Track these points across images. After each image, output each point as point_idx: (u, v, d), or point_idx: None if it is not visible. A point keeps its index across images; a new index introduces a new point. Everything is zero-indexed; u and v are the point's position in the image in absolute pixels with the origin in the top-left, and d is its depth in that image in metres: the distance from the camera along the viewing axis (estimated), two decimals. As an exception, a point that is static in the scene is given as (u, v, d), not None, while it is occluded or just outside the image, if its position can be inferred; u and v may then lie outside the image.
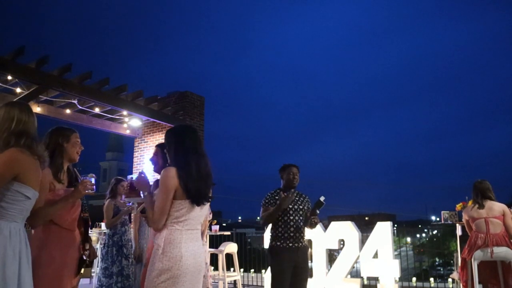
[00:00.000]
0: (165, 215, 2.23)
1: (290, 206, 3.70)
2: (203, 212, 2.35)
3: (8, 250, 1.94)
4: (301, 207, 3.78)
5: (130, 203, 5.07)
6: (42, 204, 2.30)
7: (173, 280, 2.17)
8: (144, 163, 9.75)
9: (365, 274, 5.91)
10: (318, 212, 3.66)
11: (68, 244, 2.49)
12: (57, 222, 2.43)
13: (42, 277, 2.30)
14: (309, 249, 3.92)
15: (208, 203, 2.38)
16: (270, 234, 3.80)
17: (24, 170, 2.02)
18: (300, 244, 3.70)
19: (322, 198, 3.65)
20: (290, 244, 3.65)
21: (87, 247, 2.68)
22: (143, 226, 5.32)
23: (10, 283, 1.91)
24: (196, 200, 2.26)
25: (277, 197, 3.74)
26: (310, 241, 6.01)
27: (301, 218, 3.73)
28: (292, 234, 3.67)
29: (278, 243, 3.67)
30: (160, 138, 9.59)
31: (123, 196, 5.40)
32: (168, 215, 2.24)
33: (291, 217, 3.69)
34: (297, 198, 3.81)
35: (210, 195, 2.38)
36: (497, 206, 4.58)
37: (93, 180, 2.45)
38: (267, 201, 3.79)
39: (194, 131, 2.45)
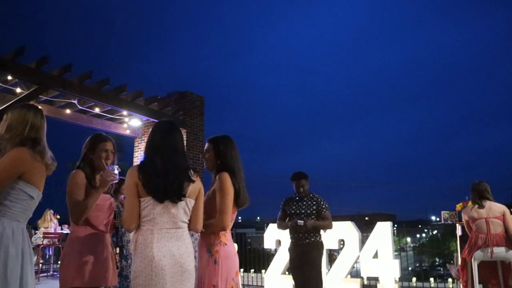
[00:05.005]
0: (133, 214, 2.15)
1: (292, 211, 4.24)
2: (180, 209, 2.19)
3: (10, 249, 1.94)
4: (303, 211, 4.19)
5: None
6: (74, 202, 2.48)
7: (149, 282, 2.09)
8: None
9: (365, 274, 5.91)
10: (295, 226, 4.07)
11: (102, 245, 2.63)
12: (93, 223, 2.58)
13: (88, 276, 2.49)
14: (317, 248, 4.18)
15: (183, 201, 2.20)
16: None
17: (30, 170, 2.04)
18: (303, 241, 4.14)
19: (300, 222, 4.05)
20: (293, 242, 4.23)
21: (117, 251, 2.87)
22: None
23: (12, 282, 1.91)
24: (157, 196, 2.13)
25: (287, 202, 4.35)
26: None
27: (301, 221, 4.09)
28: (291, 235, 4.27)
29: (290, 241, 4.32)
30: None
31: (123, 196, 5.41)
32: (139, 215, 2.17)
33: (293, 220, 4.18)
34: (305, 203, 4.23)
35: (183, 192, 2.18)
36: (497, 207, 4.59)
37: (116, 170, 2.55)
38: (282, 206, 4.42)
39: (164, 125, 2.33)
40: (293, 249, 4.23)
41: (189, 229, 2.31)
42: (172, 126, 2.33)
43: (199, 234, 2.64)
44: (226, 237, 2.58)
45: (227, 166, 2.63)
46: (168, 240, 2.16)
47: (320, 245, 4.20)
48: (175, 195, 2.16)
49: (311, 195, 4.28)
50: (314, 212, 4.18)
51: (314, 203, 4.21)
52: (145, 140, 9.76)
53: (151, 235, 2.14)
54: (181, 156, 2.25)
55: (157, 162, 2.18)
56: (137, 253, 2.15)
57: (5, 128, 2.11)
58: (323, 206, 4.21)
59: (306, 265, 4.07)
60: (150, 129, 2.38)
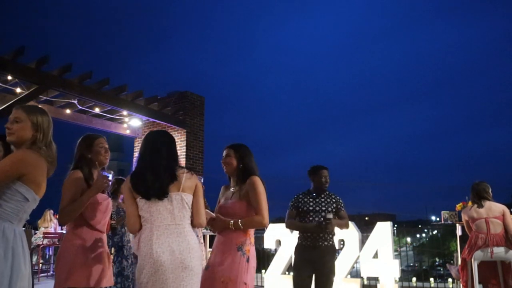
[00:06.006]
0: (134, 217, 2.30)
1: (311, 208, 3.76)
2: (177, 205, 2.28)
3: None
4: (323, 208, 3.76)
5: None
6: (66, 203, 2.49)
7: (150, 277, 2.16)
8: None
9: (365, 274, 5.92)
10: (328, 225, 3.61)
11: (98, 245, 2.62)
12: (90, 223, 2.58)
13: (84, 276, 2.48)
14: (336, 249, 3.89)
15: (178, 196, 2.29)
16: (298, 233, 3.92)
17: (30, 172, 2.02)
18: (321, 243, 3.68)
19: (329, 216, 3.62)
20: (309, 243, 3.70)
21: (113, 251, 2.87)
22: None
23: None
24: (144, 194, 2.26)
25: (300, 200, 3.83)
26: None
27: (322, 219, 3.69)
28: (309, 234, 3.71)
29: (300, 242, 3.80)
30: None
31: (122, 196, 5.43)
32: (140, 216, 2.31)
33: (311, 218, 3.73)
34: (323, 200, 3.83)
35: (165, 189, 2.28)
36: (497, 207, 4.59)
37: (110, 176, 2.61)
38: (293, 204, 3.86)
39: (150, 134, 2.50)
40: (306, 251, 3.71)
41: (192, 225, 2.37)
42: (157, 133, 2.51)
43: (201, 235, 2.71)
44: (253, 237, 2.79)
45: (252, 170, 2.86)
46: (168, 236, 2.22)
47: (335, 249, 3.84)
48: (158, 192, 2.26)
49: (327, 192, 3.88)
50: (333, 210, 3.78)
51: (334, 200, 3.84)
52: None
53: (150, 233, 2.23)
54: (164, 157, 2.36)
55: (139, 165, 2.36)
56: (139, 252, 2.23)
57: (42, 135, 2.12)
58: (342, 204, 3.87)
59: (320, 271, 3.65)
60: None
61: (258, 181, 2.78)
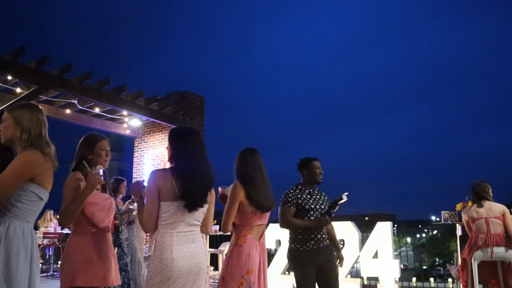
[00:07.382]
0: (153, 216, 2.22)
1: (312, 206, 3.39)
2: (198, 213, 2.31)
3: (21, 250, 1.97)
4: (322, 206, 3.45)
5: (135, 205, 5.12)
6: (67, 205, 2.47)
7: (165, 282, 2.17)
8: (144, 163, 9.76)
9: (365, 274, 5.92)
10: (337, 208, 3.41)
11: (104, 244, 2.64)
12: (95, 222, 2.58)
13: (90, 275, 2.49)
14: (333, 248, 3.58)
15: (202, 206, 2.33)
16: (289, 235, 3.48)
17: (41, 172, 2.05)
18: (322, 244, 3.38)
19: (344, 196, 3.34)
20: (312, 245, 3.34)
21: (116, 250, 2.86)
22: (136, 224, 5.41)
23: (22, 282, 1.94)
24: (188, 203, 2.22)
25: (299, 196, 3.39)
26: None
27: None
28: (313, 236, 3.36)
29: (298, 246, 3.37)
30: (160, 138, 9.60)
31: (121, 196, 5.45)
32: (157, 217, 2.24)
33: (312, 218, 3.36)
34: (318, 197, 3.49)
35: (206, 200, 2.32)
36: (497, 207, 4.60)
37: (101, 172, 2.57)
38: (289, 199, 3.38)
39: (194, 133, 2.42)
40: (308, 254, 3.33)
41: (201, 231, 2.41)
42: (196, 133, 2.43)
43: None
44: (244, 239, 2.93)
45: (239, 175, 3.01)
46: (185, 242, 2.26)
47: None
48: (200, 205, 2.30)
49: (316, 188, 3.55)
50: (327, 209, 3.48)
51: (326, 198, 3.55)
52: (145, 140, 9.87)
53: (170, 238, 2.22)
54: (207, 165, 2.34)
55: (196, 171, 2.27)
56: (156, 255, 2.21)
57: (20, 130, 2.08)
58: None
59: (326, 271, 3.37)
60: (175, 133, 2.42)
61: (231, 188, 2.96)
